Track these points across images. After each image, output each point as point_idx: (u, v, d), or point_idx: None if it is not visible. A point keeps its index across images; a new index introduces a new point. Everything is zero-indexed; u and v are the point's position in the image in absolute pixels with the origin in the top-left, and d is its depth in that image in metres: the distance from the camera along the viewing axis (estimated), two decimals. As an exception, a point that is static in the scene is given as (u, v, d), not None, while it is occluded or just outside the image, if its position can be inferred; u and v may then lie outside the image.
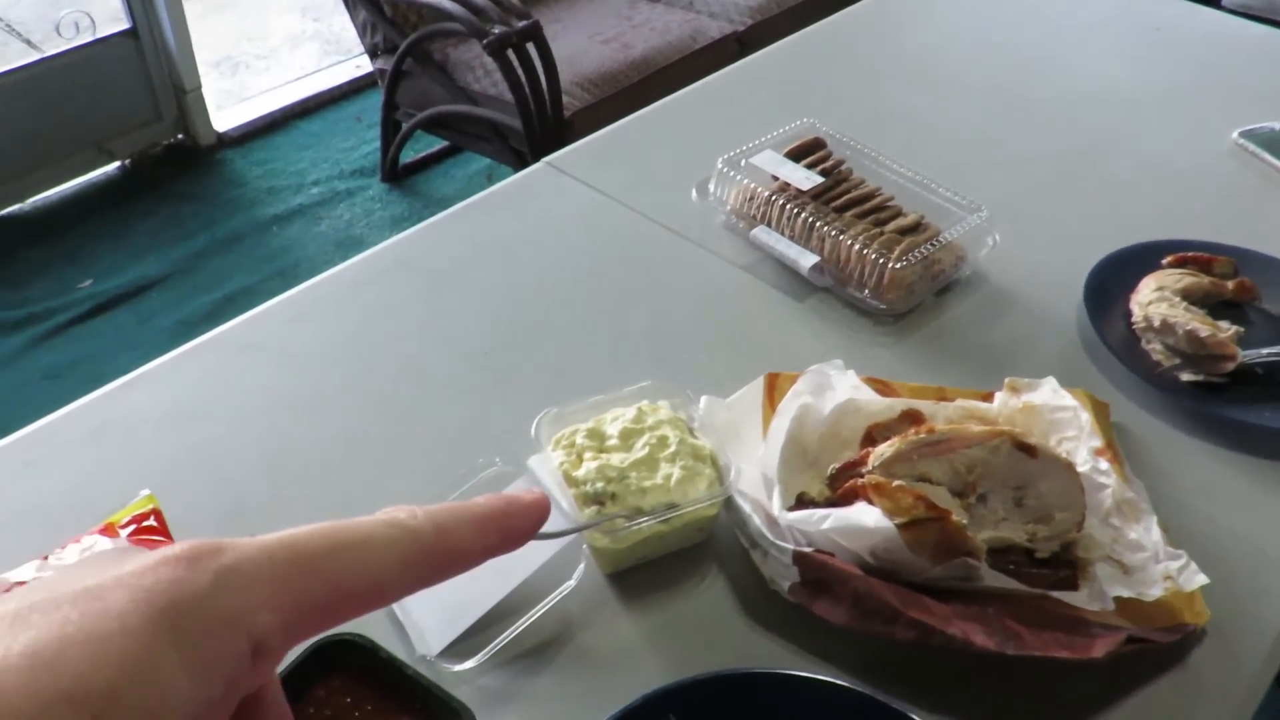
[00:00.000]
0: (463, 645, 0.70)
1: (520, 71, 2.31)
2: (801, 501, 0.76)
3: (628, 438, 0.76)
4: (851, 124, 1.16)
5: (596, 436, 0.76)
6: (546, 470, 0.74)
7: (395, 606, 0.72)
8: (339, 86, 3.52)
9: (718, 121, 1.28)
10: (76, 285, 2.68)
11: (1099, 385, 0.91)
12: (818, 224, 1.00)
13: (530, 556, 0.72)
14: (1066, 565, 0.73)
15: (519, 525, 0.30)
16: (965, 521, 0.69)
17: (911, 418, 0.80)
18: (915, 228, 1.02)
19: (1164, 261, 1.01)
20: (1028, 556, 0.73)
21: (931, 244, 0.98)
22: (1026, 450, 0.72)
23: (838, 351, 0.87)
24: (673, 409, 0.79)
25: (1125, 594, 0.70)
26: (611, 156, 1.21)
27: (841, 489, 0.74)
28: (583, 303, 1.01)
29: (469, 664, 0.68)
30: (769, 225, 1.04)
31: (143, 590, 0.22)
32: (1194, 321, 0.92)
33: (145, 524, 0.72)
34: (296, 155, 3.21)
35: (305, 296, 1.02)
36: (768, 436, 0.78)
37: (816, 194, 1.04)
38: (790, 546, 0.70)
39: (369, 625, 0.65)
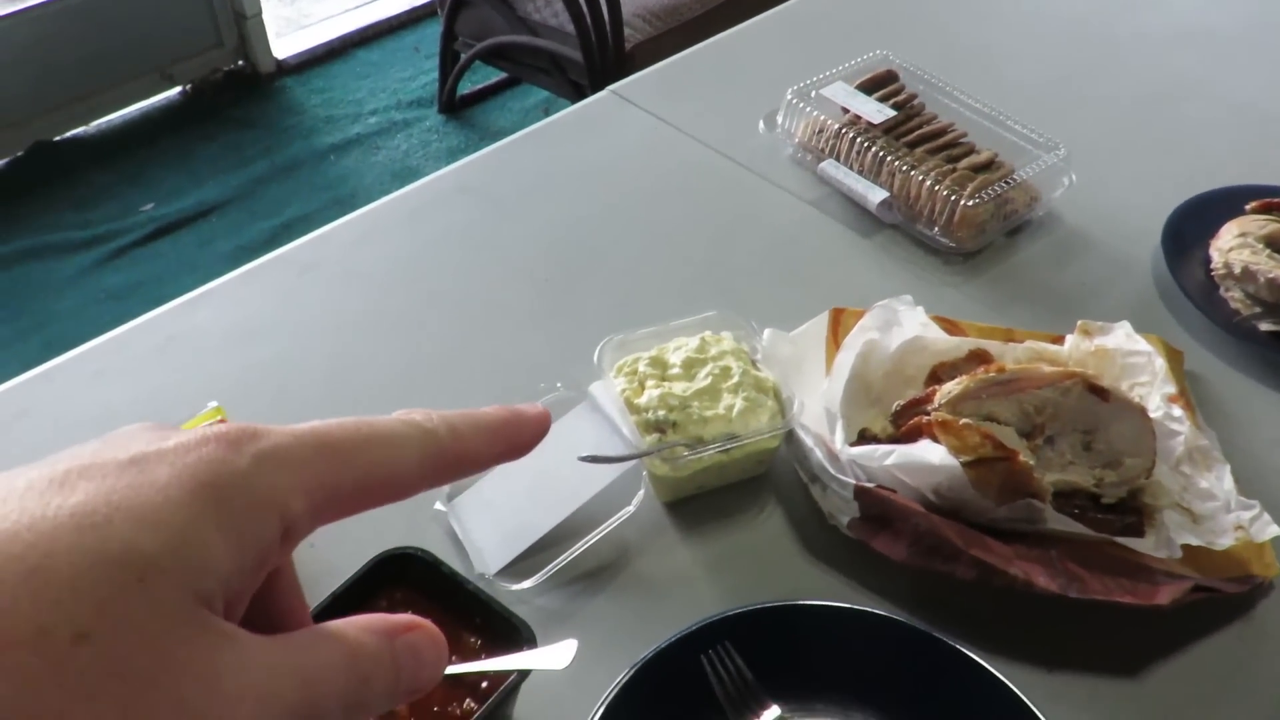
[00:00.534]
0: (520, 566, 0.70)
1: (582, 0, 2.28)
2: (864, 437, 0.75)
3: (690, 367, 0.75)
4: (926, 57, 1.12)
5: (659, 365, 0.76)
6: (608, 396, 0.74)
7: (455, 525, 0.73)
8: (398, 15, 3.49)
9: (787, 53, 1.25)
10: (139, 208, 2.72)
11: (1173, 332, 0.88)
12: (888, 159, 0.98)
13: (590, 482, 0.72)
14: (1133, 511, 0.72)
15: (523, 436, 0.30)
16: (1032, 463, 0.68)
17: (979, 357, 0.79)
18: (988, 165, 0.99)
19: (1247, 207, 0.97)
20: (1093, 501, 0.72)
21: (1005, 182, 0.95)
22: (1099, 393, 0.71)
23: (904, 289, 0.85)
24: (736, 340, 0.78)
25: (1194, 542, 0.68)
26: (677, 86, 1.19)
27: (905, 426, 0.73)
28: (645, 233, 0.99)
29: (526, 584, 0.69)
30: (837, 159, 1.02)
31: (186, 466, 0.23)
32: (1277, 269, 0.88)
33: (212, 435, 0.73)
34: (354, 84, 3.21)
35: (367, 219, 1.02)
36: (832, 371, 0.77)
37: (888, 128, 1.02)
38: (852, 481, 0.69)
39: (430, 542, 0.65)
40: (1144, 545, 0.69)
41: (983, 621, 0.67)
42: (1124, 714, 0.64)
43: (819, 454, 0.72)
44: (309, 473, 0.25)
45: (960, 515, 0.69)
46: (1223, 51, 1.27)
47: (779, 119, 1.07)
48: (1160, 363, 0.78)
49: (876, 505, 0.69)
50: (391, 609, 0.62)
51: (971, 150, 1.01)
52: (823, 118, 1.04)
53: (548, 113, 2.97)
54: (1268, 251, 0.91)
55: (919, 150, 1.00)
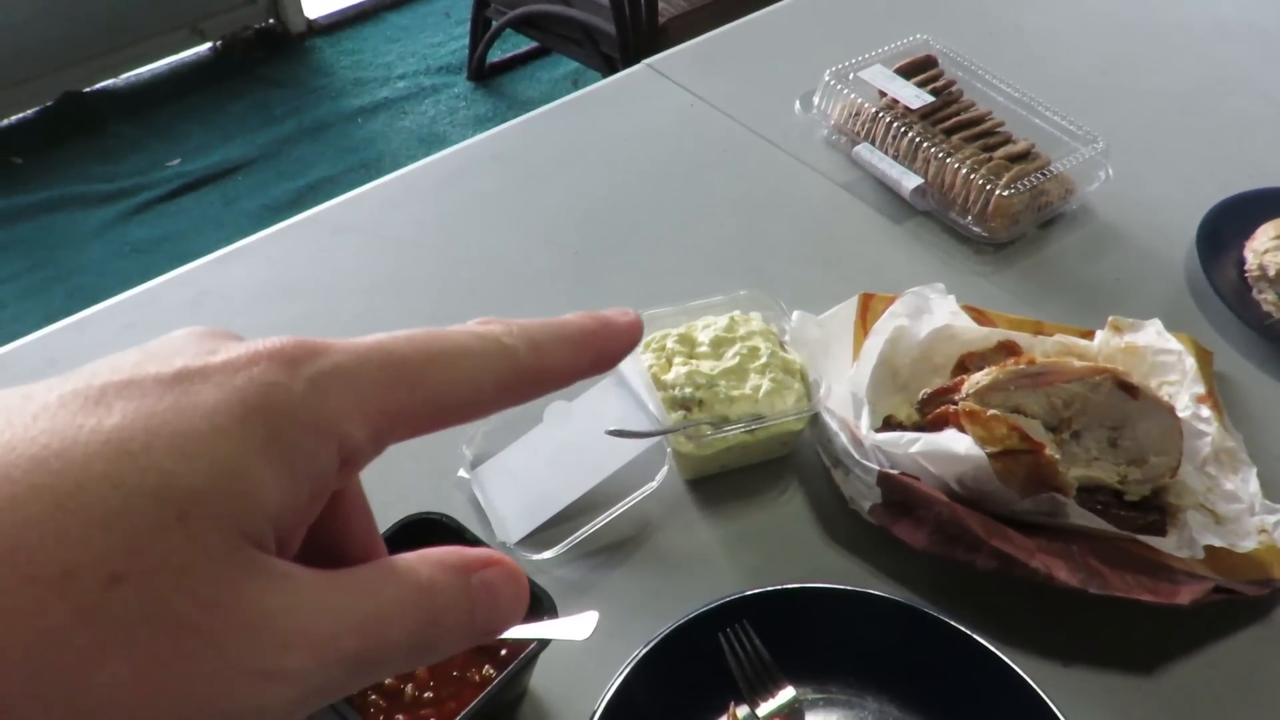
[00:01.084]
0: (541, 536, 0.71)
1: (617, -27, 2.27)
2: (889, 424, 0.75)
3: (719, 346, 0.75)
4: (965, 43, 1.11)
5: (687, 342, 0.76)
6: (635, 371, 0.74)
7: (478, 493, 0.73)
8: (430, -21, 3.48)
9: (825, 33, 1.24)
10: (166, 163, 2.73)
11: (1204, 332, 0.88)
12: (924, 144, 0.97)
13: (614, 455, 0.72)
14: (1156, 510, 0.72)
15: (613, 347, 0.27)
16: (1058, 457, 0.68)
17: (1007, 349, 0.79)
18: (1025, 155, 0.98)
19: (1286, 209, 0.96)
20: (1116, 498, 0.72)
21: (1041, 173, 0.95)
22: (1128, 390, 0.70)
23: (934, 277, 0.85)
24: (764, 321, 0.78)
25: (1217, 543, 0.68)
26: (713, 63, 1.18)
27: (932, 415, 0.73)
28: (676, 208, 0.99)
29: (547, 554, 0.70)
30: (873, 143, 1.01)
31: (235, 389, 0.21)
32: (1313, 273, 0.88)
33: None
34: (384, 48, 3.20)
35: (400, 183, 1.02)
36: (860, 356, 0.77)
37: (925, 114, 1.01)
38: (875, 467, 0.69)
39: (452, 509, 0.66)
40: (1166, 544, 0.69)
41: (999, 613, 0.67)
42: (1139, 711, 0.64)
43: (843, 438, 0.72)
44: (373, 396, 0.23)
45: (982, 506, 0.69)
46: (1267, 47, 1.25)
47: (815, 100, 1.06)
48: (1190, 362, 0.78)
49: (899, 492, 0.69)
50: (414, 572, 0.62)
51: (1008, 140, 1.00)
52: (860, 100, 1.03)
53: (576, 84, 2.96)
54: (1304, 255, 0.90)
55: (955, 138, 0.99)
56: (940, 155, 0.96)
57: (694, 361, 0.74)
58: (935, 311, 0.79)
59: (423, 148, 2.81)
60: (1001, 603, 0.68)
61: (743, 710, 0.61)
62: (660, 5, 2.36)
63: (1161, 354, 0.79)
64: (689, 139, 1.08)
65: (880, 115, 1.01)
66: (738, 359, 0.74)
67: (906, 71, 1.05)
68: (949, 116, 1.01)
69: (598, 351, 0.27)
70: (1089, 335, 0.82)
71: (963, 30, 1.21)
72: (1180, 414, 0.73)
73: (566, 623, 0.57)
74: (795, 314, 0.80)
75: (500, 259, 0.93)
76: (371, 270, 0.92)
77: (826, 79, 1.04)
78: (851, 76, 1.04)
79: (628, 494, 0.72)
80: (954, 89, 1.05)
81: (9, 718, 0.17)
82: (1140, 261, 0.95)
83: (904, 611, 0.65)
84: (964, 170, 0.94)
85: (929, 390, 0.75)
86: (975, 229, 0.94)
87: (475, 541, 0.62)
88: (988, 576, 0.67)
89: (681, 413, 0.72)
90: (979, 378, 0.71)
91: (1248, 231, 0.95)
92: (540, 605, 0.60)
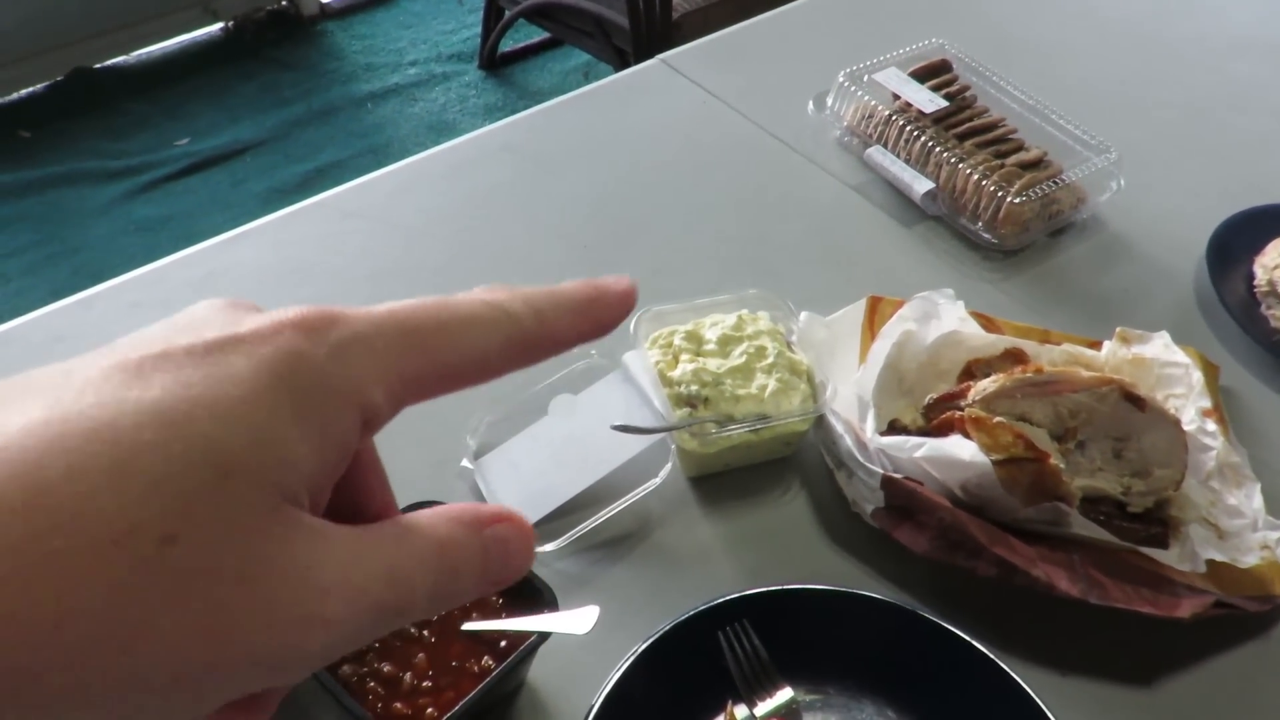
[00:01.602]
0: (543, 528, 0.71)
1: (632, -34, 2.26)
2: (894, 428, 0.75)
3: (726, 344, 0.75)
4: (981, 49, 1.11)
5: (694, 339, 0.76)
6: (642, 367, 0.74)
7: (480, 483, 0.73)
8: (444, -33, 3.47)
9: (840, 34, 1.24)
10: (174, 142, 2.72)
11: (1211, 346, 0.88)
12: (937, 149, 0.97)
13: (618, 450, 0.72)
14: (1158, 523, 0.72)
15: (609, 314, 0.29)
16: (1062, 466, 0.68)
17: (1014, 356, 0.78)
18: (1037, 164, 0.98)
19: (1297, 225, 0.96)
20: (1119, 509, 0.72)
21: (1053, 182, 0.94)
22: (1135, 401, 0.70)
23: (942, 282, 0.85)
24: (772, 320, 0.78)
25: (1219, 558, 0.68)
26: (727, 60, 1.18)
27: (937, 420, 0.73)
28: (686, 205, 0.99)
29: (548, 547, 0.70)
30: (885, 146, 1.01)
31: (263, 359, 0.22)
32: (1322, 291, 0.88)
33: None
34: (396, 34, 3.20)
35: (410, 170, 1.02)
36: (867, 359, 0.77)
37: (938, 118, 1.01)
38: (879, 470, 0.69)
39: (455, 498, 0.66)
40: (1168, 557, 0.69)
41: (998, 620, 0.67)
42: (1134, 723, 0.65)
43: (848, 440, 0.72)
44: (389, 361, 0.24)
45: (985, 513, 0.69)
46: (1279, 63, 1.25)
47: (829, 101, 1.06)
48: (1197, 375, 0.78)
49: (902, 496, 0.69)
50: (415, 561, 0.62)
51: (1021, 147, 1.00)
52: (873, 103, 1.03)
53: (588, 77, 2.96)
54: (1314, 272, 0.90)
55: (968, 143, 0.99)
56: (953, 160, 0.96)
57: (701, 359, 0.74)
58: (943, 317, 0.79)
59: (432, 135, 2.81)
60: (1000, 610, 0.68)
61: (740, 710, 0.61)
62: (675, 0, 2.35)
63: (1169, 366, 0.79)
64: (701, 136, 1.07)
65: (893, 118, 1.01)
66: (744, 358, 0.74)
67: (921, 75, 1.05)
68: (962, 122, 1.01)
69: (595, 317, 0.28)
70: (1096, 345, 0.82)
71: (978, 36, 1.20)
72: (1186, 427, 0.73)
73: (567, 616, 0.57)
74: (803, 315, 0.80)
75: (509, 250, 0.93)
76: (380, 257, 0.92)
77: (840, 80, 1.04)
78: (866, 78, 1.04)
79: (630, 489, 0.72)
80: (968, 94, 1.05)
81: (91, 660, 0.19)
82: (1149, 273, 0.95)
83: (903, 616, 0.65)
84: (976, 176, 0.94)
85: (935, 395, 0.75)
86: (985, 235, 0.94)
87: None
88: (987, 584, 0.67)
89: (687, 410, 0.72)
90: (986, 384, 0.71)
91: (1258, 247, 0.95)
92: (541, 598, 0.60)
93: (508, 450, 0.75)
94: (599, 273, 0.88)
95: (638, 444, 0.72)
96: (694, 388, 0.72)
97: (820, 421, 0.74)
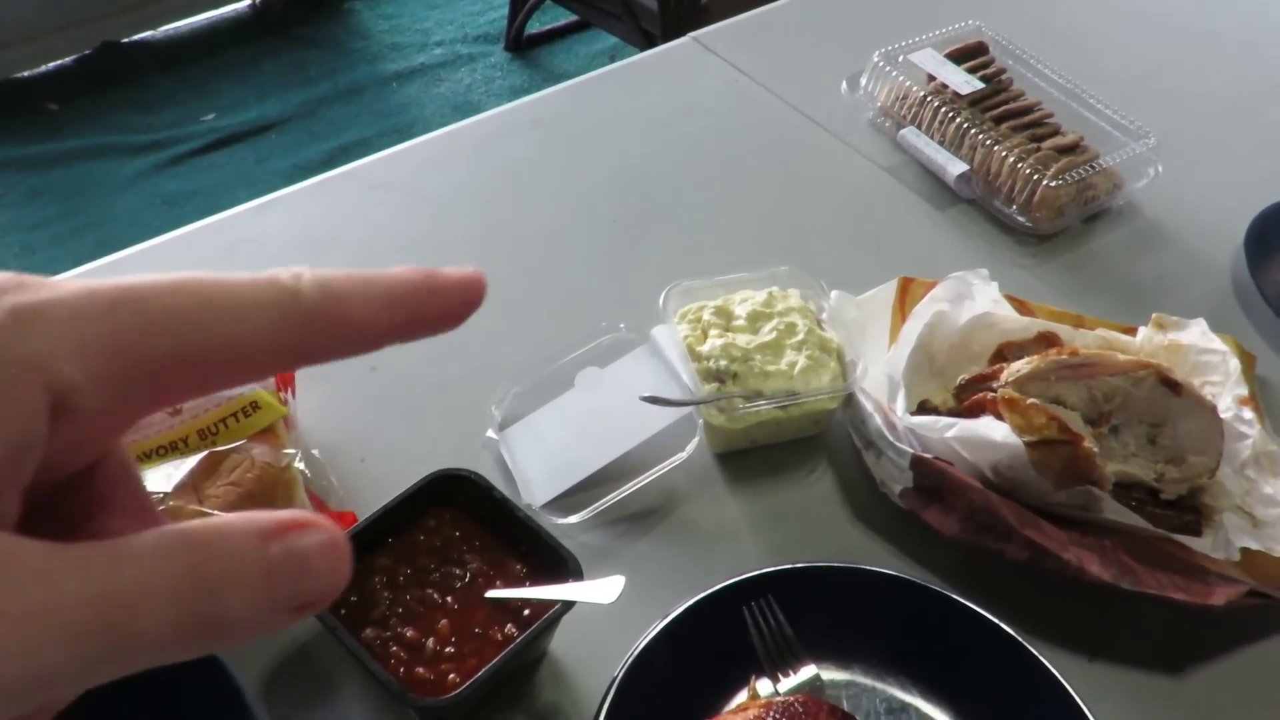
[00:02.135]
0: (567, 500, 0.70)
1: (662, -52, 2.25)
2: (924, 409, 0.74)
3: (755, 320, 0.74)
4: (1018, 31, 1.09)
5: (724, 315, 0.75)
6: (670, 341, 0.74)
7: (505, 454, 0.73)
8: (472, -53, 3.46)
9: (875, 14, 1.22)
10: (200, 117, 2.73)
11: (1248, 336, 0.86)
12: (972, 131, 0.96)
13: (644, 424, 0.71)
14: (1191, 510, 0.71)
15: (438, 305, 0.23)
16: (1096, 450, 0.67)
17: (1047, 340, 0.77)
18: (1073, 148, 0.96)
19: (1337, 216, 0.94)
20: (1151, 496, 0.71)
21: (1090, 166, 0.93)
22: (1171, 387, 0.69)
23: (974, 265, 0.83)
24: (802, 298, 0.77)
25: (1253, 546, 0.67)
26: (759, 38, 1.17)
27: (969, 401, 0.72)
28: (716, 183, 0.98)
29: (573, 519, 0.69)
30: (919, 127, 1.00)
31: None
32: (1363, 282, 0.86)
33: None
34: (423, 14, 3.19)
35: (438, 143, 1.01)
36: (899, 339, 0.76)
37: (974, 100, 0.99)
38: (910, 450, 0.68)
39: (479, 468, 0.65)
40: (1200, 545, 0.68)
41: (1024, 603, 0.66)
42: (1162, 711, 0.64)
43: (878, 420, 0.71)
44: (91, 331, 0.19)
45: (1015, 495, 0.68)
46: (1324, 55, 1.22)
47: (863, 81, 1.04)
48: (1234, 363, 0.76)
49: (932, 477, 0.68)
50: (439, 528, 0.62)
51: (1057, 131, 0.99)
52: (908, 84, 1.01)
53: (614, 59, 2.94)
54: (1355, 263, 0.89)
55: (1003, 126, 0.97)
56: (988, 143, 0.95)
57: (730, 334, 0.73)
58: (977, 298, 0.78)
59: (456, 115, 2.79)
60: (1026, 594, 0.67)
61: (763, 685, 0.61)
62: (703, -17, 2.34)
63: (1205, 354, 0.78)
64: (732, 114, 1.06)
65: (928, 99, 0.99)
66: (775, 334, 0.73)
67: (957, 57, 1.04)
68: (998, 104, 1.00)
69: (417, 308, 0.23)
70: (1131, 331, 0.81)
71: (1015, 18, 1.19)
72: (1222, 414, 0.72)
73: (593, 586, 0.57)
74: (834, 293, 0.79)
75: (537, 224, 0.93)
76: (407, 228, 0.92)
77: (875, 60, 1.03)
78: (901, 59, 1.03)
79: (656, 464, 0.71)
80: (1004, 77, 1.03)
81: None
82: (1185, 262, 0.94)
83: (930, 596, 0.64)
84: (1011, 159, 0.93)
85: (967, 376, 0.74)
86: (1019, 219, 0.93)
87: (502, 500, 0.62)
88: (1014, 567, 0.66)
89: (715, 385, 0.71)
90: (1019, 366, 0.70)
91: (1297, 237, 0.93)
92: (566, 567, 0.59)
93: (533, 422, 0.74)
94: (628, 248, 0.88)
95: (664, 418, 0.72)
96: (723, 363, 0.71)
97: (849, 400, 0.74)
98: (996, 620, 0.62)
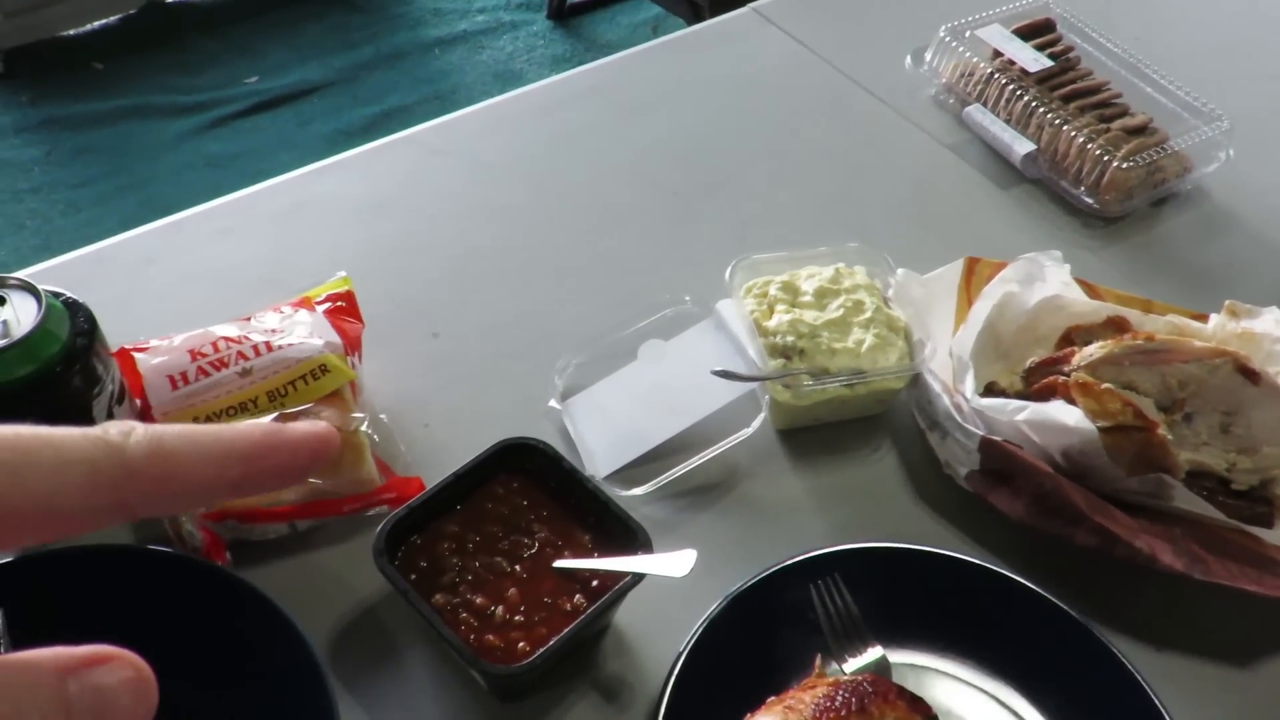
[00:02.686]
0: (630, 472, 0.70)
1: (711, -82, 2.22)
2: (991, 390, 0.73)
3: (822, 296, 0.74)
4: (1086, 7, 1.07)
5: (790, 290, 0.74)
6: (736, 315, 0.73)
7: (568, 424, 0.73)
8: (515, -86, 3.43)
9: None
10: (243, 80, 2.73)
11: (1319, 325, 0.84)
12: (1040, 109, 0.94)
13: (708, 398, 0.71)
14: (1263, 501, 0.69)
15: (281, 463, 0.24)
16: (1170, 437, 0.66)
17: (1117, 324, 0.76)
18: (1142, 129, 0.95)
19: None
20: (1222, 485, 0.70)
21: (1160, 149, 0.91)
22: (1249, 375, 0.68)
23: (1038, 246, 0.82)
24: (869, 275, 0.76)
25: (1328, 541, 0.66)
26: (822, 11, 1.15)
27: (1038, 384, 0.71)
28: (776, 156, 0.97)
29: (637, 491, 0.69)
30: (985, 105, 0.98)
31: None
32: None
33: (338, 304, 0.73)
34: (466, -20, 3.17)
35: (496, 110, 1.01)
36: (967, 319, 0.75)
37: (1042, 78, 0.97)
38: (978, 432, 0.67)
39: (542, 437, 0.65)
40: (1273, 536, 0.67)
41: (1087, 590, 0.65)
42: (1230, 703, 0.63)
43: (945, 401, 0.70)
44: None
45: (1085, 481, 0.67)
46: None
47: (928, 56, 1.03)
48: (1310, 354, 0.75)
49: (1000, 459, 0.67)
50: (507, 496, 0.62)
51: (1125, 112, 0.97)
52: (974, 59, 1.00)
53: (656, 31, 2.92)
54: None
55: (1072, 105, 0.96)
56: (1056, 122, 0.93)
57: (797, 310, 0.73)
58: (1048, 279, 0.77)
59: (498, 84, 2.79)
60: (1091, 581, 0.66)
61: (828, 666, 0.61)
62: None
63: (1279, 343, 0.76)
64: (792, 87, 1.05)
65: (995, 76, 0.98)
66: (842, 311, 0.72)
67: (1025, 33, 1.02)
68: (1066, 83, 0.98)
69: (255, 465, 0.24)
70: (1201, 318, 0.79)
71: (1083, -4, 1.16)
72: (1297, 406, 0.70)
73: (664, 559, 0.57)
74: (900, 271, 0.78)
75: (596, 194, 0.92)
76: (465, 195, 0.91)
77: (941, 35, 1.01)
78: (968, 34, 1.01)
79: (719, 438, 0.71)
80: (1072, 54, 1.01)
81: None
82: (1254, 248, 0.92)
83: (997, 580, 0.63)
84: (1081, 139, 0.91)
85: (1036, 359, 0.73)
86: (1087, 200, 0.91)
87: (571, 471, 0.62)
88: (1076, 553, 0.65)
89: (782, 361, 0.71)
90: (1092, 350, 0.69)
91: (1372, 226, 0.91)
92: (634, 540, 0.59)
93: (595, 393, 0.74)
94: (688, 221, 0.87)
95: (728, 393, 0.71)
96: (790, 338, 0.71)
97: (915, 380, 0.73)
98: (1064, 606, 0.62)
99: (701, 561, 0.63)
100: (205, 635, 0.56)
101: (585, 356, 0.75)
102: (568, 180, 0.93)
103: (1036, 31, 1.03)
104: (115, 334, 0.61)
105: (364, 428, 0.65)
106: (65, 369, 0.56)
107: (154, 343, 0.66)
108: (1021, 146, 0.93)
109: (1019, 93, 0.95)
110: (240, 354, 0.65)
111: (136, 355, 0.64)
